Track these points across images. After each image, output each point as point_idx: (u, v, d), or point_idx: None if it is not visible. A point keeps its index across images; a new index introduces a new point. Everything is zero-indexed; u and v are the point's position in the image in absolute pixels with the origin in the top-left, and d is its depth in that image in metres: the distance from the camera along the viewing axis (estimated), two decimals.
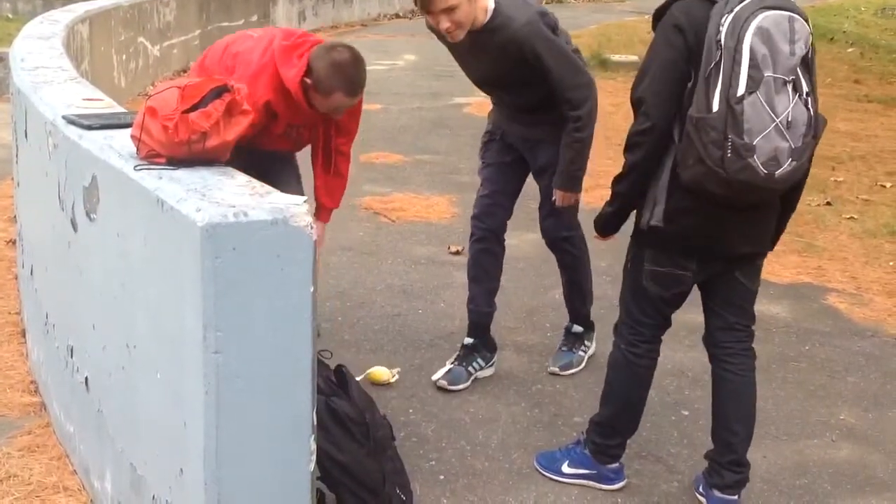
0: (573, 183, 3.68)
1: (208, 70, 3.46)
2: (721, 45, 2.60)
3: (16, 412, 3.49)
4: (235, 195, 2.07)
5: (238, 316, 1.98)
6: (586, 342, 4.10)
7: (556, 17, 3.57)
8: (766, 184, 2.65)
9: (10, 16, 13.48)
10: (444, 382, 3.84)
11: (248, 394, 2.02)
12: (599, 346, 4.06)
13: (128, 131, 2.43)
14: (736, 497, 3.06)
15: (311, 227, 2.00)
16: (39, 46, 4.62)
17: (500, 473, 3.29)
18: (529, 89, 3.59)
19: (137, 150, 2.34)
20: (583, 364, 4.05)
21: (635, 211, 2.99)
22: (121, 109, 2.99)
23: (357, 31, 16.86)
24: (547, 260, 4.12)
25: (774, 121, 2.60)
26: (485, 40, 3.46)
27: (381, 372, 3.85)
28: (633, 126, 2.85)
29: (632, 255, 3.04)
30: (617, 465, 3.22)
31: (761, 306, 4.67)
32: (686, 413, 3.74)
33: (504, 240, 3.92)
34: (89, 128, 2.67)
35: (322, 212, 3.83)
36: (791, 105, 2.61)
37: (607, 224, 3.07)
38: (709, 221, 2.82)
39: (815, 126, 2.69)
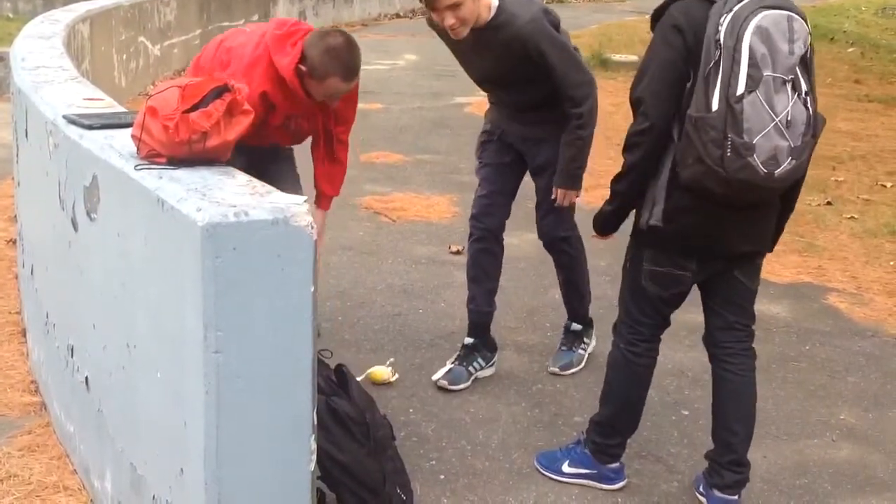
0: (573, 181, 3.68)
1: (203, 69, 3.45)
2: (720, 45, 2.61)
3: (16, 412, 3.50)
4: (236, 195, 2.07)
5: (238, 316, 1.98)
6: (585, 339, 4.11)
7: (558, 14, 3.57)
8: (766, 183, 2.66)
9: (11, 15, 13.48)
10: (444, 382, 3.84)
11: (249, 393, 2.02)
12: (599, 345, 4.06)
13: (128, 131, 2.43)
14: (736, 497, 3.06)
15: (312, 227, 2.01)
16: (40, 46, 4.63)
17: (500, 473, 3.29)
18: (531, 87, 3.60)
19: (138, 149, 2.34)
20: (583, 362, 4.05)
21: (634, 211, 2.99)
22: (121, 109, 3.00)
23: (358, 31, 16.85)
24: (546, 260, 4.12)
25: (774, 120, 2.60)
26: (488, 38, 3.46)
27: (381, 371, 3.86)
28: (632, 126, 2.85)
29: (631, 255, 3.04)
30: (617, 464, 3.22)
31: (761, 306, 4.67)
32: (686, 413, 3.74)
33: (503, 239, 3.92)
34: (90, 127, 2.67)
35: (322, 199, 3.84)
36: (790, 104, 2.62)
37: (606, 223, 3.07)
38: (708, 220, 2.82)
39: (815, 125, 2.70)
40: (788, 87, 2.62)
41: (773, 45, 2.59)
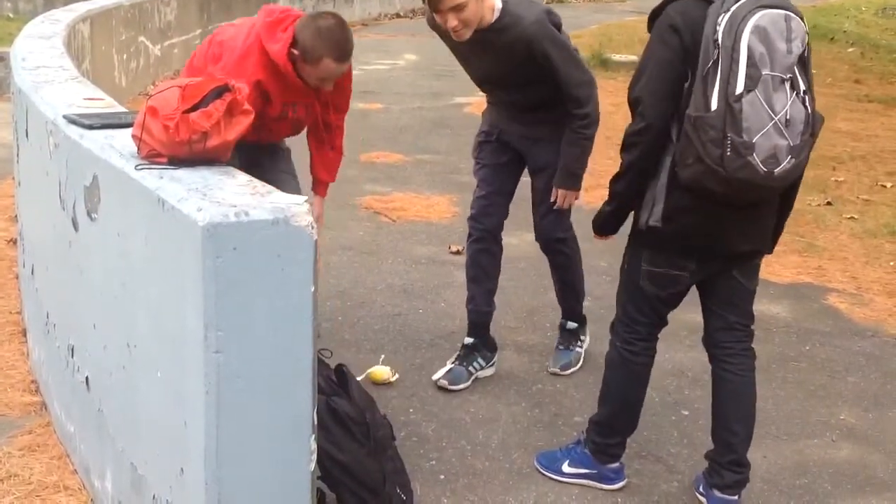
0: (574, 181, 3.69)
1: (196, 67, 3.44)
2: (718, 44, 2.61)
3: (16, 411, 3.50)
4: (236, 195, 2.07)
5: (239, 315, 1.98)
6: (581, 337, 4.12)
7: (560, 16, 3.58)
8: (766, 182, 2.66)
9: (11, 15, 13.48)
10: (444, 382, 3.84)
11: (249, 393, 2.02)
12: (599, 346, 4.06)
13: (129, 131, 2.43)
14: (736, 497, 3.06)
15: (313, 227, 2.01)
16: (40, 46, 4.63)
17: (500, 473, 3.29)
18: (532, 88, 3.60)
19: (138, 149, 2.34)
20: (581, 360, 4.06)
21: (633, 212, 2.99)
22: (122, 109, 3.00)
23: (358, 31, 16.84)
24: (546, 260, 4.12)
25: (773, 119, 2.60)
26: (491, 39, 3.46)
27: (381, 371, 3.86)
28: (629, 126, 2.86)
29: (629, 255, 3.04)
30: (617, 464, 3.22)
31: (761, 306, 4.68)
32: (686, 413, 3.74)
33: (501, 239, 3.93)
34: (90, 127, 2.67)
35: (320, 186, 3.85)
36: (789, 103, 2.62)
37: (605, 224, 3.07)
38: (708, 220, 2.82)
39: (813, 124, 2.70)
40: (787, 85, 2.62)
41: (772, 45, 2.59)
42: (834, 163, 7.80)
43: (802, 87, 2.65)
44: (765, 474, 3.34)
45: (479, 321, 3.96)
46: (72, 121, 2.76)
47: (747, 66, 2.58)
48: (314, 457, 2.15)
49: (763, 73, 2.59)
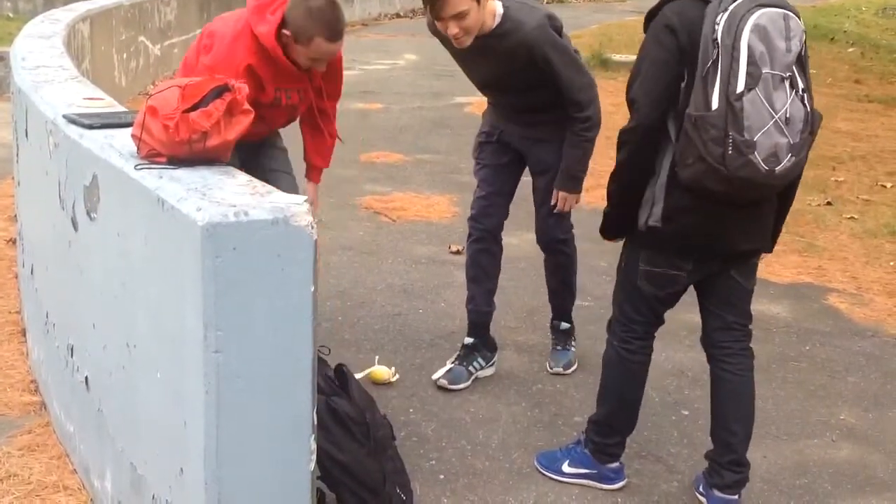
0: (575, 184, 3.69)
1: (189, 64, 3.43)
2: (718, 44, 2.61)
3: (16, 411, 3.49)
4: (236, 194, 2.07)
5: (238, 315, 1.98)
6: (574, 336, 4.13)
7: (561, 19, 3.58)
8: (767, 180, 2.66)
9: (11, 15, 13.48)
10: (444, 382, 3.84)
11: (249, 393, 2.02)
12: (599, 345, 4.05)
13: (128, 130, 2.43)
14: (736, 497, 3.06)
15: (313, 227, 2.00)
16: (40, 45, 4.62)
17: (500, 473, 3.29)
18: (533, 91, 3.60)
19: (138, 149, 2.34)
20: (576, 359, 4.07)
21: None
22: (121, 108, 2.99)
23: (358, 31, 16.85)
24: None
25: (774, 117, 2.60)
26: (493, 45, 3.45)
27: (381, 371, 3.86)
28: (624, 126, 2.87)
29: (626, 255, 3.04)
30: (617, 464, 3.22)
31: (762, 306, 4.69)
32: (686, 413, 3.74)
33: (501, 239, 3.93)
34: (90, 127, 2.67)
35: (314, 172, 3.84)
36: (789, 101, 2.62)
37: (607, 226, 3.06)
38: (709, 220, 2.82)
39: (812, 122, 2.71)
40: (786, 84, 2.63)
41: (771, 43, 2.60)
42: (834, 163, 7.80)
43: (801, 85, 2.66)
44: (765, 474, 3.34)
45: (479, 321, 3.96)
46: (71, 120, 2.76)
47: (748, 65, 2.58)
48: (314, 457, 2.15)
49: (763, 71, 2.59)
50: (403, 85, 11.17)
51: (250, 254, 1.97)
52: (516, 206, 3.94)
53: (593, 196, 5.22)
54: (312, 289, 2.03)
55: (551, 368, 4.03)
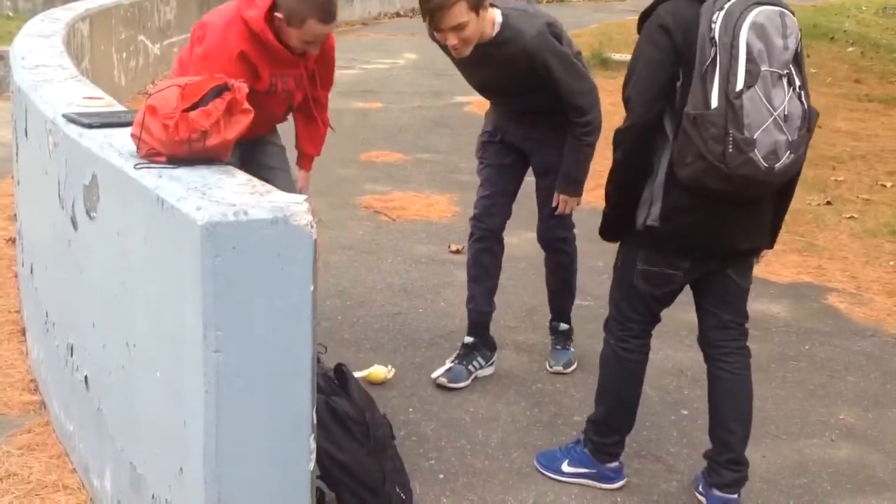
0: (575, 187, 3.69)
1: (183, 60, 3.43)
2: (716, 42, 2.62)
3: (15, 410, 3.49)
4: (236, 194, 2.07)
5: (238, 315, 1.98)
6: (572, 337, 4.13)
7: (561, 25, 3.57)
8: (767, 177, 2.66)
9: (11, 14, 13.47)
10: (444, 380, 3.84)
11: (248, 393, 2.02)
12: (599, 345, 4.05)
13: (128, 130, 2.43)
14: (735, 496, 3.06)
15: (312, 227, 2.00)
16: (40, 44, 4.62)
17: (499, 472, 3.29)
18: (532, 95, 3.60)
19: (138, 148, 2.34)
20: (576, 359, 4.07)
21: None
22: (121, 108, 2.99)
23: (358, 30, 16.85)
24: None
25: (773, 114, 2.61)
26: (492, 53, 3.45)
27: (380, 371, 3.85)
28: (619, 126, 2.88)
29: (623, 254, 3.04)
30: (617, 463, 3.22)
31: (761, 306, 4.69)
32: (686, 412, 3.74)
33: (503, 239, 3.93)
34: (89, 126, 2.67)
35: (305, 160, 3.86)
36: (787, 99, 2.63)
37: (607, 226, 3.06)
38: (709, 218, 2.82)
39: (809, 119, 2.71)
40: (784, 81, 2.64)
41: (769, 41, 2.60)
42: (834, 162, 7.79)
43: (798, 82, 2.67)
44: (764, 474, 3.34)
45: (479, 321, 3.96)
46: (71, 120, 2.76)
47: (747, 62, 2.59)
48: (314, 456, 2.15)
49: (762, 69, 2.60)
50: (403, 84, 11.17)
51: (250, 253, 1.97)
52: (517, 205, 3.94)
53: (593, 196, 5.20)
54: (312, 288, 2.03)
55: (551, 368, 4.04)
